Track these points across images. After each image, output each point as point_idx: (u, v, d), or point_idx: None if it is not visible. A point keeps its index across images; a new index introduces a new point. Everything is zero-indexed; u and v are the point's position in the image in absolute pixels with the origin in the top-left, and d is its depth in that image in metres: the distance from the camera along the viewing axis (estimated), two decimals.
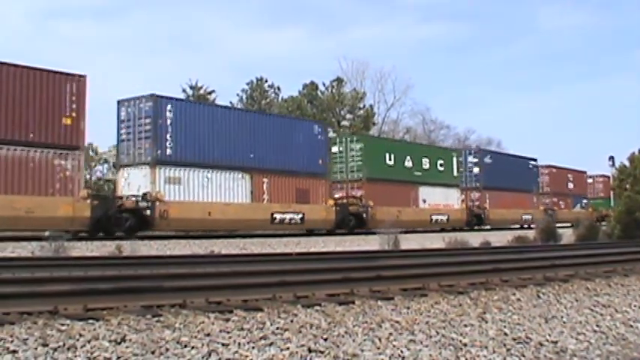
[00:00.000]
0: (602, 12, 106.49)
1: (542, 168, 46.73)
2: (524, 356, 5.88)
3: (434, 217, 34.18)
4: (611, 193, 38.04)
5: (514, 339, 6.36)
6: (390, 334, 6.01)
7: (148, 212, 22.39)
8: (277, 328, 5.79)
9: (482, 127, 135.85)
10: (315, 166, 28.14)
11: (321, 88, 56.23)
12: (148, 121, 23.12)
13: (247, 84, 54.50)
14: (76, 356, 4.67)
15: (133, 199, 22.65)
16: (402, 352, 5.52)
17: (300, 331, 5.76)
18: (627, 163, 31.65)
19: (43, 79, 20.31)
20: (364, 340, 5.75)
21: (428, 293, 8.08)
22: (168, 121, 23.37)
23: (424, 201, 33.99)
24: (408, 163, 33.44)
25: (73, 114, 20.77)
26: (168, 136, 23.35)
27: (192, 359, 4.86)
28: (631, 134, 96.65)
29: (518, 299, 8.23)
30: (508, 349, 6.00)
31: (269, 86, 54.85)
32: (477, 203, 38.12)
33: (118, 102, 23.99)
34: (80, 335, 5.08)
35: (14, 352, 4.65)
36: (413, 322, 6.51)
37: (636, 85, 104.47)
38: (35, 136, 19.81)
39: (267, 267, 10.23)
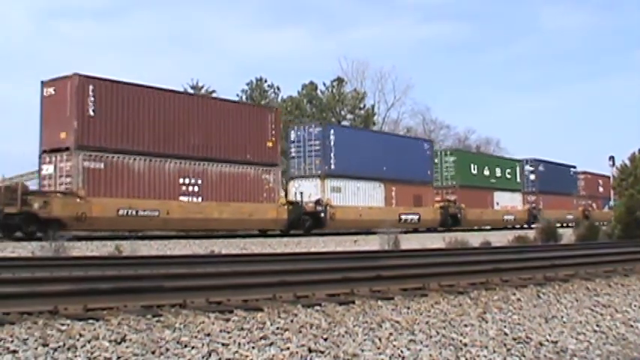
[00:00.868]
0: (603, 12, 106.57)
1: (579, 174, 52.64)
2: (524, 356, 5.88)
3: (505, 217, 41.54)
4: (612, 192, 39.09)
5: (514, 339, 6.36)
6: (391, 334, 6.01)
7: (322, 215, 28.79)
8: (277, 328, 5.79)
9: (482, 127, 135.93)
10: (425, 176, 35.34)
11: (321, 88, 56.27)
12: (317, 142, 30.08)
13: (247, 84, 54.55)
14: (76, 356, 4.67)
15: (311, 204, 28.71)
16: (402, 352, 5.52)
17: (301, 331, 5.76)
18: (628, 163, 31.71)
19: (253, 112, 27.93)
20: (364, 340, 5.74)
21: (428, 293, 8.07)
22: (332, 143, 30.25)
23: (497, 203, 41.38)
24: (486, 172, 41.00)
25: (273, 138, 27.23)
26: (332, 154, 30.01)
27: (193, 359, 4.86)
28: (631, 134, 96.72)
29: (519, 299, 8.23)
30: (508, 349, 6.00)
31: (269, 86, 54.87)
32: (533, 205, 44.64)
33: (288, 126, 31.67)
34: (80, 335, 5.08)
35: (14, 352, 4.65)
36: (413, 322, 6.51)
37: (636, 85, 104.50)
38: (250, 156, 26.19)
39: (267, 267, 10.23)
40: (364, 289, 7.95)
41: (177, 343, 5.13)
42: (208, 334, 5.42)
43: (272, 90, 54.98)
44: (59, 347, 4.78)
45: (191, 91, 49.31)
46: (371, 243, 21.47)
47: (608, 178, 55.19)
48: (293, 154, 30.59)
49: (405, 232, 22.47)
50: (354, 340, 5.68)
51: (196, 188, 24.28)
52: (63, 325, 5.37)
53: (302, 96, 54.87)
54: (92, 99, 21.71)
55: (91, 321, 5.56)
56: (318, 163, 29.63)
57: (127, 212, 22.10)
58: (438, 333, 6.21)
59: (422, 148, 36.03)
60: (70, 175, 21.38)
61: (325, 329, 5.92)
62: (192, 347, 5.06)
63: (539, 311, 7.66)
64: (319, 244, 21.41)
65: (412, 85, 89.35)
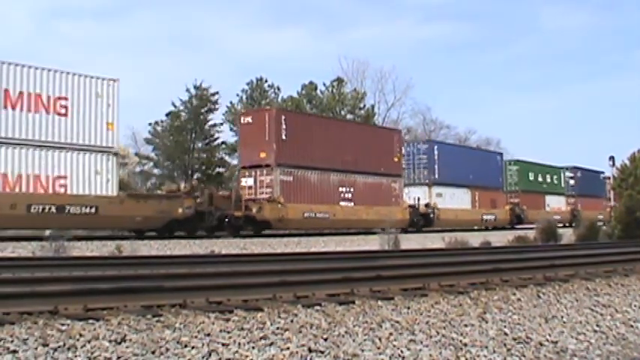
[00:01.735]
0: (603, 12, 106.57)
1: (607, 179, 55.57)
2: (524, 356, 5.88)
3: (554, 217, 44.04)
4: (612, 192, 39.77)
5: (514, 339, 6.36)
6: (391, 334, 6.01)
7: (431, 215, 35.28)
8: (277, 328, 5.79)
9: (482, 127, 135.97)
10: (497, 183, 42.25)
11: (321, 88, 56.25)
12: (425, 156, 36.92)
13: (247, 84, 54.54)
14: (76, 356, 4.67)
15: (423, 207, 34.99)
16: (402, 352, 5.52)
17: (301, 331, 5.76)
18: (628, 163, 31.70)
19: (384, 134, 34.85)
20: (364, 340, 5.74)
21: (428, 293, 8.07)
22: (436, 157, 36.99)
23: (548, 205, 47.86)
24: (540, 179, 48.04)
25: (398, 154, 33.72)
26: (436, 167, 36.76)
27: (193, 359, 4.86)
28: (631, 134, 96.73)
29: (519, 299, 8.23)
30: (508, 349, 6.00)
31: (269, 86, 54.85)
32: (573, 207, 50.55)
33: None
34: (80, 335, 5.08)
35: (14, 352, 4.64)
36: (413, 322, 6.51)
37: (636, 85, 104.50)
38: (383, 169, 32.24)
39: (267, 267, 10.23)
40: (364, 289, 7.95)
41: (178, 343, 5.13)
42: (208, 334, 5.42)
43: (272, 90, 54.99)
44: (59, 347, 4.78)
45: (193, 91, 49.35)
46: (371, 243, 21.47)
47: None
48: (404, 166, 35.54)
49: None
50: (354, 340, 5.68)
51: (350, 195, 30.45)
52: (63, 325, 5.37)
53: (302, 96, 54.85)
54: (284, 127, 27.52)
55: (91, 321, 5.55)
56: (426, 174, 36.72)
57: (310, 215, 27.95)
58: (438, 333, 6.21)
59: (495, 160, 43.48)
60: (270, 186, 26.85)
61: (325, 329, 5.92)
62: (193, 347, 5.06)
63: (539, 311, 7.66)
64: (319, 244, 21.41)
65: (412, 85, 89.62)
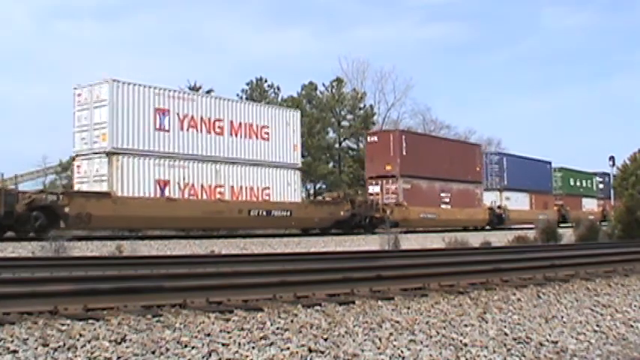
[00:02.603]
0: (604, 12, 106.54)
1: None
2: (524, 356, 5.87)
3: (589, 217, 48.50)
4: (612, 192, 41.30)
5: (514, 339, 6.36)
6: (391, 334, 6.01)
7: (503, 216, 41.64)
8: (277, 328, 5.79)
9: (482, 127, 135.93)
10: (547, 187, 49.64)
11: (321, 88, 56.23)
12: (496, 166, 43.55)
13: (247, 84, 54.51)
14: (76, 356, 4.67)
15: (498, 209, 41.45)
16: (402, 352, 5.52)
17: (301, 331, 5.76)
18: (629, 163, 31.71)
19: (469, 148, 41.76)
20: (364, 340, 5.74)
21: (428, 293, 8.07)
22: (505, 166, 43.68)
23: (584, 206, 54.27)
24: (578, 183, 55.21)
25: (479, 165, 40.60)
26: (505, 175, 43.44)
27: (193, 359, 4.86)
28: (631, 134, 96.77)
29: (519, 299, 8.23)
30: (508, 349, 6.00)
31: (269, 86, 54.82)
32: (603, 208, 55.71)
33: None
34: (80, 335, 5.08)
35: (14, 352, 4.64)
36: (413, 322, 6.51)
37: (637, 85, 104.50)
38: (470, 177, 38.68)
39: (267, 267, 10.23)
40: (364, 289, 7.95)
41: (178, 343, 5.13)
42: (208, 334, 5.42)
43: (272, 90, 54.98)
44: (59, 347, 4.78)
45: (188, 91, 49.25)
46: (371, 243, 21.48)
47: None
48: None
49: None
50: (354, 340, 5.68)
51: (448, 199, 36.93)
52: (63, 325, 5.37)
53: (302, 96, 54.83)
54: (404, 145, 34.20)
55: (91, 321, 5.56)
56: (497, 180, 43.20)
57: (424, 216, 34.46)
58: (438, 333, 6.21)
59: (546, 168, 49.80)
60: (395, 193, 33.47)
61: (325, 329, 5.92)
62: (193, 347, 5.06)
63: (539, 311, 7.66)
64: (319, 244, 21.41)
65: (412, 85, 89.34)
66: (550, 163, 51.23)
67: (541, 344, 6.31)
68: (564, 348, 6.29)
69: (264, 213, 26.03)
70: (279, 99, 54.40)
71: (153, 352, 4.86)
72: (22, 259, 12.88)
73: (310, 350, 5.27)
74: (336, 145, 54.73)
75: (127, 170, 22.75)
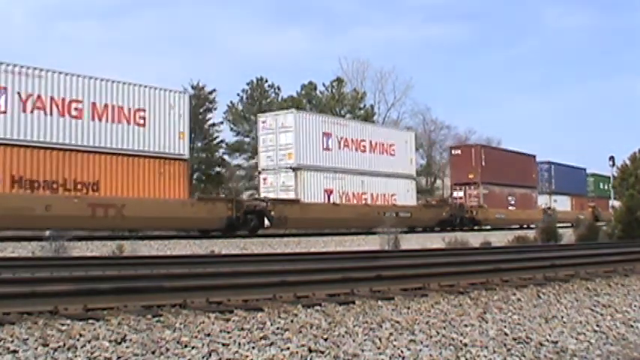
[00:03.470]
0: (604, 12, 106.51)
1: None
2: (524, 356, 5.87)
3: None
4: (612, 192, 42.22)
5: (514, 339, 6.36)
6: (391, 334, 6.01)
7: (552, 216, 41.25)
8: (278, 328, 5.79)
9: (482, 127, 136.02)
10: (583, 191, 56.09)
11: (321, 88, 56.26)
12: (546, 173, 50.37)
13: (247, 84, 54.56)
14: (76, 356, 4.67)
15: (549, 209, 45.46)
16: (402, 352, 5.52)
17: (301, 331, 5.76)
18: (629, 163, 31.73)
19: (527, 159, 46.64)
20: (364, 340, 5.74)
21: (428, 293, 8.07)
22: (552, 174, 50.90)
23: (612, 207, 62.06)
24: (606, 187, 57.27)
25: (535, 172, 47.53)
26: (553, 181, 50.81)
27: (193, 359, 4.86)
28: (631, 134, 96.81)
29: (519, 299, 8.23)
30: (508, 349, 5.99)
31: (269, 86, 54.88)
32: None
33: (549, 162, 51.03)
34: (80, 335, 5.07)
35: (14, 352, 4.64)
36: (413, 322, 6.50)
37: (637, 85, 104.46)
38: (529, 183, 45.69)
39: (267, 267, 10.23)
40: (364, 289, 7.95)
41: (178, 343, 5.13)
42: (208, 334, 5.42)
43: (272, 90, 55.02)
44: (59, 347, 4.78)
45: (191, 91, 49.35)
46: (371, 243, 21.47)
47: None
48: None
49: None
50: (354, 340, 5.68)
51: (513, 202, 43.57)
52: (63, 325, 5.37)
53: (302, 96, 54.87)
54: (483, 157, 41.04)
55: (91, 321, 5.55)
56: (547, 185, 49.97)
57: (498, 216, 40.26)
58: (438, 333, 6.21)
59: (582, 174, 56.03)
60: (477, 197, 40.20)
61: (325, 329, 5.92)
62: (193, 347, 5.06)
63: (539, 311, 7.66)
64: (319, 244, 21.41)
65: (412, 85, 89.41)
66: (585, 169, 57.78)
67: (541, 344, 6.30)
68: (564, 348, 6.29)
69: (394, 214, 30.76)
70: (279, 99, 54.41)
71: (153, 352, 4.86)
72: (22, 259, 12.88)
73: (310, 350, 5.27)
74: None
75: (307, 182, 29.09)
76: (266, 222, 26.63)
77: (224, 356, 4.96)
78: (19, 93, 20.44)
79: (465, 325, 6.63)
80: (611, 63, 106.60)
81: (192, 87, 49.71)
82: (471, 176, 40.29)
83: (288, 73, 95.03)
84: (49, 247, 14.78)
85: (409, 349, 5.60)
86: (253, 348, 5.19)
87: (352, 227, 30.56)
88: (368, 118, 56.06)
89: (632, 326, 7.64)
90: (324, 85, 56.37)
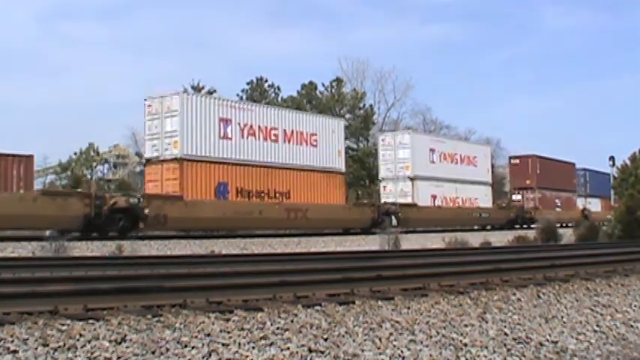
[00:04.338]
0: (604, 13, 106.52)
1: None
2: (524, 356, 5.87)
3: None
4: (612, 192, 42.44)
5: (514, 339, 6.36)
6: (391, 334, 6.01)
7: (588, 216, 46.20)
8: (278, 328, 5.78)
9: (483, 128, 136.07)
10: (608, 193, 54.96)
11: (321, 88, 56.25)
12: (582, 179, 55.08)
13: (247, 84, 54.55)
14: (76, 356, 4.67)
15: (584, 210, 50.24)
16: (402, 352, 5.52)
17: (301, 331, 5.76)
18: (629, 163, 31.68)
19: (568, 165, 52.25)
20: (364, 340, 5.74)
21: (428, 293, 8.06)
22: (587, 178, 55.99)
23: None
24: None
25: (574, 178, 53.13)
26: (587, 185, 55.72)
27: (193, 359, 4.86)
28: (631, 134, 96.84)
29: (519, 299, 8.22)
30: (508, 349, 5.99)
31: (269, 86, 54.88)
32: None
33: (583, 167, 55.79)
34: (80, 335, 5.07)
35: (14, 352, 4.64)
36: (413, 322, 6.50)
37: (637, 85, 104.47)
38: (568, 187, 51.62)
39: (267, 267, 10.22)
40: (364, 289, 7.95)
41: (178, 343, 5.13)
42: (208, 334, 5.42)
43: (272, 90, 55.00)
44: (59, 347, 4.78)
45: (191, 91, 49.38)
46: (371, 243, 21.47)
47: None
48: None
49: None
50: (354, 340, 5.68)
51: (559, 203, 49.21)
52: (63, 325, 5.36)
53: (302, 96, 54.86)
54: (538, 166, 47.14)
55: (91, 321, 5.55)
56: (583, 189, 54.68)
57: (549, 216, 38.76)
58: (438, 333, 6.21)
59: (608, 178, 59.09)
60: (533, 200, 46.17)
61: (325, 329, 5.92)
62: (193, 347, 5.06)
63: (539, 311, 7.66)
64: (319, 244, 21.41)
65: (412, 85, 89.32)
66: (609, 174, 64.36)
67: (541, 344, 6.31)
68: (564, 348, 6.29)
69: (479, 214, 38.53)
70: (280, 99, 54.41)
71: (153, 352, 4.86)
72: (22, 259, 12.87)
73: (310, 350, 5.27)
74: None
75: (419, 189, 35.77)
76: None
77: (224, 356, 4.96)
78: (239, 123, 26.62)
79: (465, 325, 6.63)
80: (611, 63, 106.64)
81: (192, 87, 49.74)
82: (528, 182, 46.93)
83: (288, 73, 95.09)
84: (49, 247, 14.78)
85: (409, 349, 5.60)
86: (253, 348, 5.19)
87: (451, 225, 35.58)
88: (368, 118, 56.11)
89: (632, 326, 7.65)
90: (323, 85, 56.41)
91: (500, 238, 24.90)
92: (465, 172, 39.27)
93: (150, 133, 25.34)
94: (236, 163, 25.95)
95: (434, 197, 36.33)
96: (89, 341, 4.96)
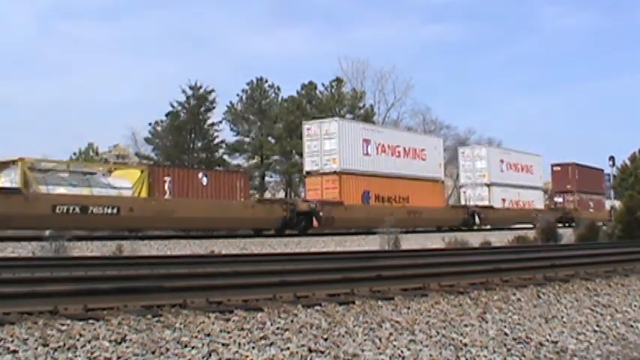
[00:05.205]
0: (604, 12, 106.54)
1: None
2: (524, 356, 5.87)
3: None
4: (612, 192, 43.27)
5: (514, 339, 6.36)
6: (391, 334, 6.01)
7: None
8: (277, 328, 5.78)
9: (483, 128, 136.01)
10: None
11: (321, 88, 56.21)
12: (609, 183, 55.84)
13: (247, 84, 54.51)
14: (76, 356, 4.67)
15: (611, 210, 51.37)
16: (402, 352, 5.52)
17: (301, 331, 5.76)
18: (628, 163, 31.74)
19: (597, 171, 55.78)
20: (364, 340, 5.74)
21: (428, 293, 8.06)
22: (610, 182, 57.50)
23: None
24: None
25: (603, 182, 56.36)
26: (611, 191, 56.38)
27: (193, 359, 4.86)
28: (631, 134, 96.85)
29: (519, 299, 8.22)
30: (508, 349, 6.00)
31: (269, 86, 54.82)
32: None
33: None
34: (80, 335, 5.07)
35: (14, 352, 4.64)
36: (413, 322, 6.50)
37: (637, 85, 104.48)
38: (598, 190, 55.57)
39: (267, 267, 10.22)
40: (364, 289, 7.94)
41: (178, 343, 5.13)
42: (208, 334, 5.42)
43: (272, 90, 54.97)
44: (59, 347, 4.78)
45: (189, 91, 49.43)
46: (371, 243, 21.47)
47: None
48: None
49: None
50: (354, 340, 5.68)
51: (592, 204, 52.61)
52: (63, 325, 5.36)
53: (302, 96, 54.81)
54: (576, 171, 50.94)
55: (91, 321, 5.55)
56: (610, 192, 56.43)
57: (585, 215, 43.29)
58: (438, 333, 6.21)
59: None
60: (572, 202, 50.02)
61: (325, 329, 5.92)
62: (193, 347, 5.06)
63: (539, 311, 7.66)
64: (319, 244, 21.41)
65: (412, 85, 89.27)
66: None
67: (541, 344, 6.31)
68: (564, 348, 6.29)
69: (535, 214, 38.85)
70: (279, 99, 54.39)
71: (153, 352, 4.86)
72: (22, 259, 12.87)
73: (310, 350, 5.27)
74: None
75: (495, 194, 42.40)
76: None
77: (224, 356, 4.96)
78: (375, 143, 33.26)
79: (465, 325, 6.63)
80: (611, 63, 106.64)
81: (191, 87, 49.73)
82: (568, 186, 52.49)
83: (288, 73, 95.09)
84: (49, 247, 14.78)
85: (409, 349, 5.60)
86: (253, 348, 5.19)
87: (514, 223, 40.82)
88: (368, 118, 55.99)
89: (632, 326, 7.65)
90: (323, 85, 56.35)
91: (500, 238, 24.90)
92: (524, 178, 46.09)
93: (309, 150, 31.84)
94: (374, 174, 32.48)
95: (503, 200, 42.96)
96: (89, 341, 4.96)
